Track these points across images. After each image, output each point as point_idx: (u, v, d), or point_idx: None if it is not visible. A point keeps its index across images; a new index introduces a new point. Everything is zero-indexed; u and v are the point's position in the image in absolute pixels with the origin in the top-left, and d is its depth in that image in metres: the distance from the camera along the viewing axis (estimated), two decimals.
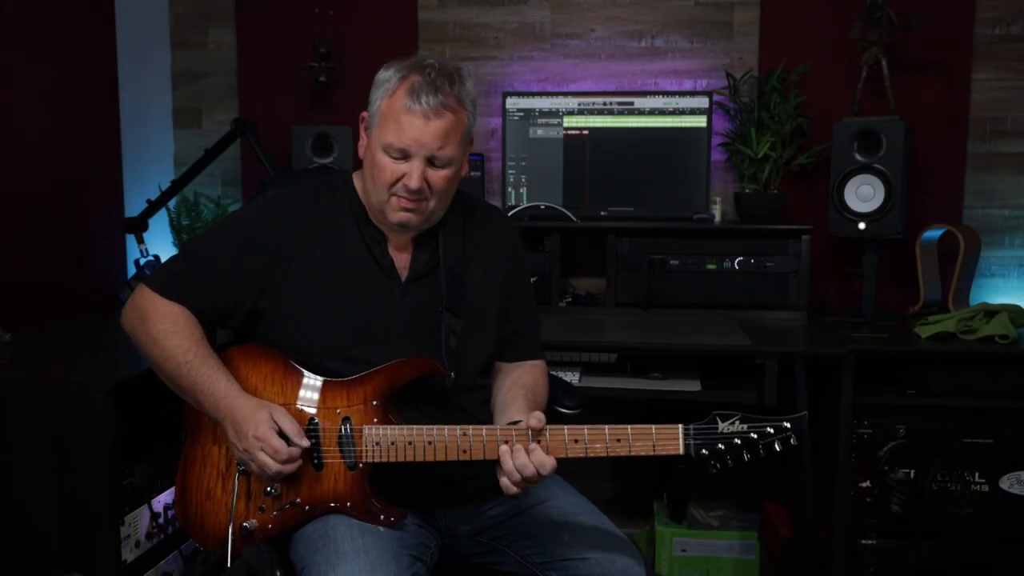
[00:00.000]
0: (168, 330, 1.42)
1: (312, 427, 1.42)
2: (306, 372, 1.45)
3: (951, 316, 2.25)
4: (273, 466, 1.35)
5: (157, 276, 1.49)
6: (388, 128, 1.40)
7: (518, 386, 1.54)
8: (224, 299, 1.47)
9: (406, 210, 1.44)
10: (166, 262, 1.54)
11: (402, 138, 1.39)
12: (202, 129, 3.02)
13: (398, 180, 1.41)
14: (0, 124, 2.18)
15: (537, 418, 1.35)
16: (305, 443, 1.38)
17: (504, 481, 1.35)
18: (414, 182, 1.40)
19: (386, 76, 1.43)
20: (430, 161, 1.41)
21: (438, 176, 1.43)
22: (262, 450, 1.35)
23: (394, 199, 1.43)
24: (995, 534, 2.16)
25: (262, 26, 2.93)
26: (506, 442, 1.35)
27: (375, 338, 1.46)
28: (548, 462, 1.33)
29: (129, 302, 1.49)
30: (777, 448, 1.33)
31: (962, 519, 2.15)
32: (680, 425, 1.34)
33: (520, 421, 1.39)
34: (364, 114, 1.48)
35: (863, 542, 2.20)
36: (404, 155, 1.40)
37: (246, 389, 1.43)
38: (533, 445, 1.34)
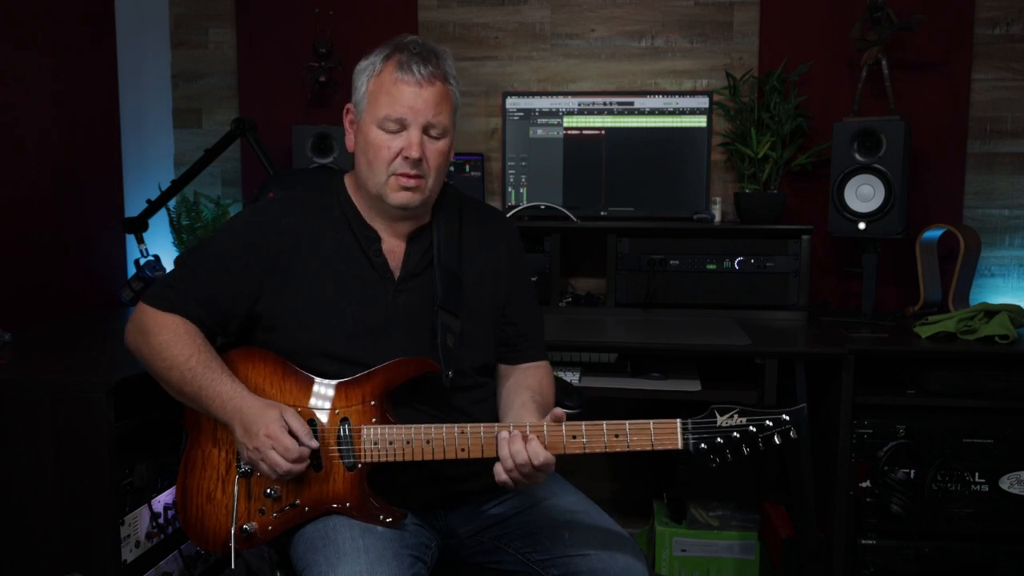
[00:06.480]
0: (168, 341, 1.43)
1: (311, 428, 1.42)
2: (306, 373, 1.45)
3: (951, 316, 2.25)
4: (284, 465, 1.35)
5: (153, 291, 1.49)
6: (381, 103, 1.41)
7: (523, 387, 1.53)
8: (218, 304, 1.47)
9: (406, 189, 1.44)
10: (162, 278, 1.54)
11: (397, 108, 1.40)
12: (202, 129, 3.03)
13: (397, 155, 1.42)
14: (0, 124, 2.18)
15: (556, 416, 1.35)
16: (315, 444, 1.38)
17: (496, 467, 1.34)
18: (414, 151, 1.41)
19: (368, 62, 1.45)
20: (426, 131, 1.42)
21: (435, 149, 1.44)
22: (273, 448, 1.35)
23: (393, 179, 1.43)
24: (995, 534, 2.16)
25: (262, 26, 2.93)
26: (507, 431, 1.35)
27: (371, 338, 1.46)
28: (542, 454, 1.32)
29: (129, 321, 1.49)
30: (777, 441, 1.31)
31: (962, 519, 2.15)
32: (678, 420, 1.33)
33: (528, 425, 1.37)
34: (348, 106, 1.49)
35: (863, 542, 2.20)
36: (401, 125, 1.41)
37: None
38: (532, 436, 1.34)
